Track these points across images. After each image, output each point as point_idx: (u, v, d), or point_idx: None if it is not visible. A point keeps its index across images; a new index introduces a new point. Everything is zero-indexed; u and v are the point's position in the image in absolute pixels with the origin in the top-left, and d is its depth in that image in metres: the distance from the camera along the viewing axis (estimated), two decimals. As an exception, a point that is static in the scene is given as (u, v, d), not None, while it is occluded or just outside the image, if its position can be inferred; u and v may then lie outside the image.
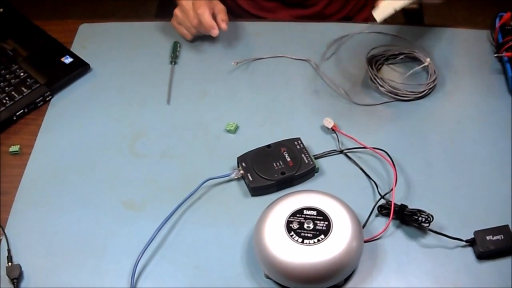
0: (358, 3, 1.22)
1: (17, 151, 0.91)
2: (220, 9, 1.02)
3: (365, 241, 0.76)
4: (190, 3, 1.00)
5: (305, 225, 0.72)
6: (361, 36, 1.07)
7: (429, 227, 0.78)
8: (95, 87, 1.01)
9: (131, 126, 0.94)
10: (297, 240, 0.71)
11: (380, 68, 1.01)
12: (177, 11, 1.04)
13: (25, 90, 0.97)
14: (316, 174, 0.87)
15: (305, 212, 0.74)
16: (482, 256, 0.76)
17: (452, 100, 0.96)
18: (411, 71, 0.98)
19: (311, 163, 0.85)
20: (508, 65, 0.98)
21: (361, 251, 0.74)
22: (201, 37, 1.06)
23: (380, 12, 0.87)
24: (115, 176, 0.87)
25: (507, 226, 0.77)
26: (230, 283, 0.75)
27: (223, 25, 1.00)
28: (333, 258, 0.70)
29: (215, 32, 0.99)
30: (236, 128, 0.92)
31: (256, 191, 0.84)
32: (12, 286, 0.74)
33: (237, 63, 1.03)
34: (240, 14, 1.20)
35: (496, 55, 1.01)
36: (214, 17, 1.00)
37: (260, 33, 1.09)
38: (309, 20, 1.16)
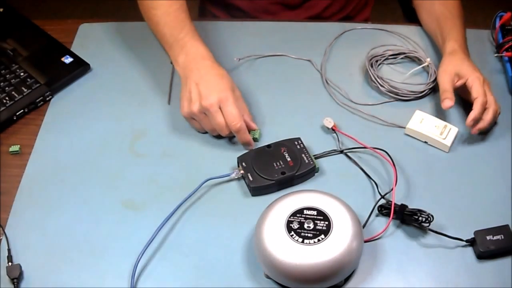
0: (358, 4, 1.22)
1: (17, 151, 0.91)
2: (243, 106, 0.89)
3: (365, 241, 0.76)
4: (218, 108, 0.85)
5: (305, 225, 0.72)
6: (361, 36, 1.07)
7: (429, 227, 0.78)
8: (95, 87, 1.00)
9: (131, 126, 0.94)
10: (297, 240, 0.71)
11: (380, 68, 1.01)
12: (195, 111, 0.86)
13: (25, 90, 0.97)
14: (316, 174, 0.87)
15: (305, 212, 0.74)
16: (482, 256, 0.76)
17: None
18: (411, 71, 0.98)
19: (311, 163, 0.85)
20: (508, 65, 0.98)
21: (361, 251, 0.74)
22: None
23: (412, 131, 0.91)
24: (115, 176, 0.87)
25: (507, 226, 0.77)
26: (230, 283, 0.75)
27: (255, 127, 0.89)
28: (333, 258, 0.70)
29: (251, 146, 0.88)
30: (260, 135, 0.90)
31: (256, 191, 0.84)
32: (12, 286, 0.74)
33: (239, 59, 1.03)
34: (242, 16, 1.20)
35: (496, 55, 1.01)
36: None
37: (261, 33, 1.08)
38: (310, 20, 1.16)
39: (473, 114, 0.86)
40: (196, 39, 0.93)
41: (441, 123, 0.90)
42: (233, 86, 0.89)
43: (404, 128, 0.91)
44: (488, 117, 0.87)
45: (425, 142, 0.90)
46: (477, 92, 0.87)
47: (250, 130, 0.88)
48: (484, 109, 0.87)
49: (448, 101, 0.89)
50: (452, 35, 0.96)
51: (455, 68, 0.91)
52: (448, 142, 0.88)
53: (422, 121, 0.90)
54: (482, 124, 0.87)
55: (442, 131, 0.88)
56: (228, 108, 0.85)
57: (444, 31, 0.98)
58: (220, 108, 0.85)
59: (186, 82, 0.89)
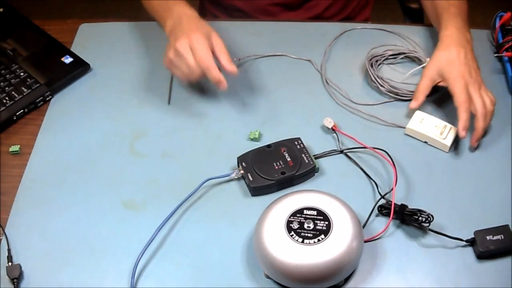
0: (358, 5, 1.22)
1: (17, 151, 0.91)
2: (220, 48, 0.89)
3: (365, 241, 0.76)
4: (188, 49, 0.87)
5: (305, 225, 0.72)
6: (361, 36, 1.07)
7: (429, 227, 0.78)
8: (95, 87, 1.01)
9: (131, 126, 0.94)
10: (297, 240, 0.71)
11: (380, 68, 1.01)
12: (171, 56, 0.89)
13: (25, 90, 0.97)
14: (316, 174, 0.87)
15: (305, 212, 0.74)
16: (482, 256, 0.76)
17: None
18: (411, 71, 0.98)
19: (311, 163, 0.85)
20: (508, 65, 0.98)
21: (361, 251, 0.74)
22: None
23: (412, 132, 0.90)
24: (115, 176, 0.87)
25: (507, 226, 0.77)
26: (230, 283, 0.75)
27: (232, 68, 0.88)
28: (333, 258, 0.70)
29: (223, 86, 0.88)
30: (260, 135, 0.91)
31: (256, 191, 0.84)
32: (12, 286, 0.74)
33: (239, 59, 1.03)
34: (242, 17, 1.20)
35: (496, 55, 1.01)
36: (215, 56, 0.89)
37: (261, 33, 1.09)
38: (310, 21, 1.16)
39: (460, 125, 0.85)
40: (183, 4, 0.95)
41: (441, 123, 0.90)
42: (208, 32, 0.90)
43: (404, 128, 0.91)
44: (479, 125, 0.86)
45: (425, 142, 0.90)
46: (456, 100, 0.86)
47: (226, 72, 0.88)
48: (469, 114, 0.86)
49: (413, 102, 0.91)
50: (445, 25, 0.94)
51: (439, 67, 0.90)
52: (448, 142, 0.88)
53: (422, 121, 0.90)
54: (476, 134, 0.86)
55: (442, 131, 0.88)
56: (196, 47, 0.86)
57: (441, 23, 0.96)
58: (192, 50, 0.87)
59: (169, 39, 0.92)
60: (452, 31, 0.92)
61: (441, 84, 0.91)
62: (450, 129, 0.89)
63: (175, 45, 0.88)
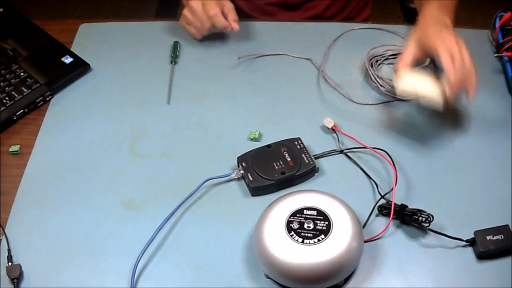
0: (357, 5, 1.22)
1: (17, 151, 0.91)
2: (230, 8, 1.01)
3: (365, 241, 0.76)
4: (200, 4, 0.99)
5: (305, 225, 0.72)
6: (361, 36, 1.07)
7: (429, 227, 0.78)
8: (95, 87, 1.01)
9: (131, 126, 0.94)
10: (297, 240, 0.71)
11: (380, 68, 1.01)
12: (186, 12, 1.02)
13: (25, 90, 0.97)
14: (316, 174, 0.87)
15: (305, 212, 0.74)
16: (482, 256, 0.76)
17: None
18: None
19: (311, 163, 0.85)
20: (508, 65, 0.98)
21: (361, 251, 0.74)
22: (202, 37, 1.06)
23: (404, 92, 0.87)
24: (115, 176, 0.87)
25: (507, 226, 0.77)
26: (230, 283, 0.75)
27: (235, 25, 1.00)
28: (333, 258, 0.70)
29: (229, 28, 1.00)
30: (260, 135, 0.91)
31: (256, 191, 0.84)
32: (12, 286, 0.74)
33: (240, 57, 1.03)
34: (241, 17, 1.20)
35: (496, 55, 1.01)
36: (224, 16, 1.00)
37: (261, 33, 1.09)
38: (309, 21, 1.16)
39: (445, 66, 0.81)
40: None
41: (432, 79, 0.86)
42: None
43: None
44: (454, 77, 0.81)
45: (417, 100, 0.86)
46: (434, 46, 0.83)
47: (231, 29, 1.01)
48: (449, 55, 0.82)
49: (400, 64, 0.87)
50: (422, 14, 0.92)
51: (418, 39, 0.87)
52: (441, 95, 0.83)
53: (412, 79, 0.86)
54: (451, 85, 0.82)
55: (434, 86, 0.84)
56: (206, 3, 0.99)
57: (419, 12, 0.94)
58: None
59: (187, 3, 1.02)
60: (427, 18, 0.90)
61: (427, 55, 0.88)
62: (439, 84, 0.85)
63: (189, 3, 1.00)
